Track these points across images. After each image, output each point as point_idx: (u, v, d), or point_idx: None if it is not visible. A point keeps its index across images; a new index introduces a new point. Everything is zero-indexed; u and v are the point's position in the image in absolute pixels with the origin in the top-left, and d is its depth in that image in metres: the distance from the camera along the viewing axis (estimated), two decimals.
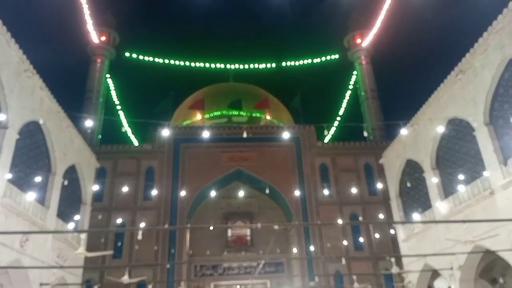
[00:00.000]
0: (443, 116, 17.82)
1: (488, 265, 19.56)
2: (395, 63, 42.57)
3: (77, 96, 33.39)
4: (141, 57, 39.81)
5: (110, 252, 21.31)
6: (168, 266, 25.03)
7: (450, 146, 18.22)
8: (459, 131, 17.36)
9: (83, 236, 10.72)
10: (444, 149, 18.70)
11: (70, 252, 17.76)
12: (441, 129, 17.14)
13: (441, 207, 18.19)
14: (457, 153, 17.71)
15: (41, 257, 16.00)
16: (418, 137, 20.32)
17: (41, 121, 15.41)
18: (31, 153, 16.52)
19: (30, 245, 15.17)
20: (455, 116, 17.26)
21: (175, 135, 29.03)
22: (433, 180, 18.84)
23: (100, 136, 31.68)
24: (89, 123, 16.55)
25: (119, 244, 25.26)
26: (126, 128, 34.48)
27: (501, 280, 21.50)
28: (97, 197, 24.78)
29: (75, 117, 20.21)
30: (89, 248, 14.09)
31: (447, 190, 18.41)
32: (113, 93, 36.06)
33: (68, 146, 19.33)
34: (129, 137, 35.24)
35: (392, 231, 24.75)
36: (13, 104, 14.22)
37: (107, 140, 30.39)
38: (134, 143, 33.29)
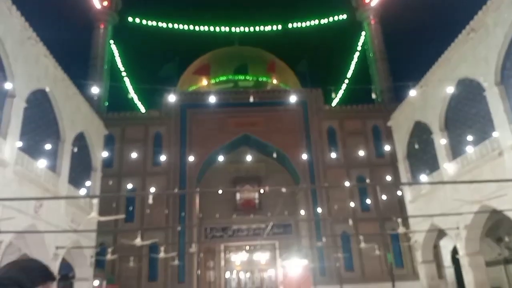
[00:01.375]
0: (453, 77, 17.48)
1: (494, 224, 19.80)
2: (405, 23, 41.24)
3: (82, 64, 33.13)
4: (144, 22, 39.06)
5: (122, 216, 21.91)
6: (179, 228, 25.74)
7: (460, 107, 17.97)
8: (469, 92, 17.06)
9: (95, 201, 10.97)
10: (453, 110, 18.46)
11: (83, 217, 18.28)
12: (450, 89, 16.85)
13: (449, 168, 18.20)
14: (467, 114, 17.49)
15: (56, 222, 16.50)
16: (427, 99, 20.04)
17: (47, 89, 15.42)
18: (40, 121, 16.66)
19: (44, 211, 15.61)
20: (465, 76, 16.91)
21: (181, 101, 29.02)
22: (441, 142, 18.75)
23: (107, 103, 31.72)
24: (95, 90, 16.50)
25: (130, 208, 25.90)
26: (133, 94, 34.43)
27: (506, 239, 21.86)
28: (107, 163, 25.19)
29: (81, 84, 20.19)
30: (101, 213, 14.47)
31: (455, 151, 18.34)
32: (118, 60, 35.72)
33: (76, 113, 19.43)
34: (136, 104, 35.28)
35: (399, 193, 24.97)
36: (19, 72, 14.19)
37: (114, 107, 30.47)
38: (141, 110, 33.35)
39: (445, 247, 26.76)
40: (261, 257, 31.33)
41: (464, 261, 17.81)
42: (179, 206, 26.78)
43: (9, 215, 12.13)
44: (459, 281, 24.74)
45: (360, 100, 30.24)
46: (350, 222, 22.27)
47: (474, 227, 17.27)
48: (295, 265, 24.23)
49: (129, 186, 25.89)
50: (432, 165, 20.22)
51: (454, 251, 22.15)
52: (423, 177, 20.72)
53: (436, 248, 24.35)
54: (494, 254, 23.41)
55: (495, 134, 15.08)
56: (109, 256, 19.40)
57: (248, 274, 31.36)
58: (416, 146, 20.97)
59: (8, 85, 13.28)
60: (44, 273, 1.57)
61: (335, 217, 21.75)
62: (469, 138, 16.91)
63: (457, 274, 24.97)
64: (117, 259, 22.93)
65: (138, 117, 29.29)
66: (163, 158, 26.02)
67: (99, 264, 22.54)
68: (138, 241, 16.25)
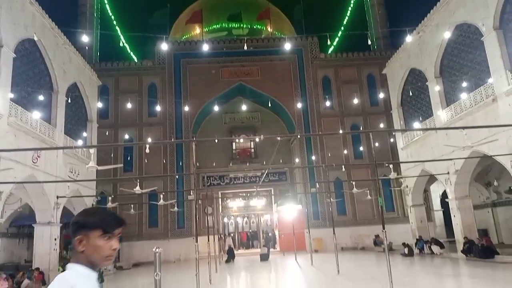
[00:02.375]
0: (450, 21, 17.14)
1: (484, 169, 20.40)
2: None
3: (70, 13, 31.99)
4: None
5: (120, 166, 22.28)
6: (177, 177, 26.31)
7: (456, 53, 17.80)
8: (466, 37, 16.82)
9: (92, 151, 11.12)
10: (449, 56, 18.30)
11: (81, 167, 18.59)
12: (447, 35, 16.61)
13: (442, 115, 18.37)
14: (462, 61, 17.36)
15: (54, 172, 16.78)
16: (423, 45, 19.79)
17: (35, 38, 15.00)
18: (31, 72, 16.40)
19: (42, 162, 15.82)
20: (463, 20, 16.58)
21: (174, 50, 28.48)
22: (436, 89, 18.76)
23: (98, 54, 31.06)
24: (85, 38, 16.06)
25: (128, 158, 26.25)
26: (125, 44, 33.58)
27: (495, 183, 22.59)
28: (102, 114, 25.18)
29: (71, 33, 19.62)
30: (99, 163, 14.70)
31: (449, 98, 18.42)
32: (107, 7, 34.44)
33: (67, 64, 19.08)
34: (129, 53, 34.56)
35: (392, 140, 25.38)
36: (3, 21, 13.75)
37: (106, 57, 29.85)
38: (134, 60, 32.70)
39: (435, 191, 27.72)
40: (257, 203, 32.33)
41: (453, 204, 18.50)
42: (176, 156, 27.19)
43: (8, 166, 12.30)
44: (447, 224, 25.90)
45: (355, 48, 29.77)
46: (343, 168, 22.79)
47: (464, 172, 17.77)
48: (290, 210, 25.10)
49: (126, 136, 26.07)
50: (426, 112, 20.38)
51: (444, 196, 22.96)
52: (416, 125, 20.97)
53: (426, 193, 25.21)
54: (482, 198, 24.30)
55: (490, 80, 15.08)
56: (109, 205, 19.94)
57: (245, 219, 32.57)
58: (410, 94, 21.00)
59: None
60: (117, 218, 1.72)
61: (328, 164, 22.21)
62: (464, 85, 16.92)
63: (446, 217, 26.09)
64: (118, 207, 23.61)
65: (131, 67, 28.81)
66: (158, 108, 26.01)
67: None
68: (137, 189, 16.65)
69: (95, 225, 1.61)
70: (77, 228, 1.62)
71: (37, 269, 15.08)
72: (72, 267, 1.60)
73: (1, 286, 12.66)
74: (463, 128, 11.65)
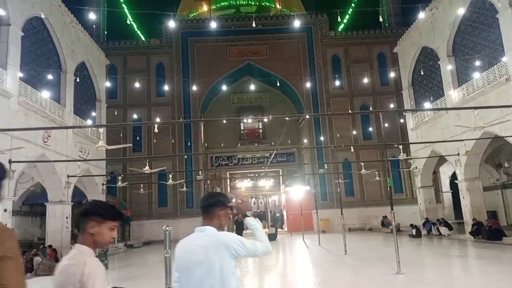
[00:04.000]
0: None
1: (495, 151, 20.13)
2: None
3: None
4: None
5: (129, 145, 22.41)
6: (185, 157, 26.48)
7: (469, 31, 17.32)
8: (481, 14, 16.33)
9: (102, 130, 11.17)
10: (462, 34, 17.83)
11: (91, 147, 18.74)
12: (461, 11, 16.15)
13: (453, 95, 18.05)
14: (476, 39, 16.90)
15: (65, 152, 16.95)
16: (436, 23, 19.28)
17: (42, 16, 14.91)
18: (39, 51, 16.37)
19: (53, 141, 15.96)
20: None
21: (182, 28, 28.22)
22: (448, 68, 18.38)
23: (106, 32, 30.87)
24: (92, 16, 15.94)
25: (137, 138, 26.40)
26: (132, 22, 33.29)
27: (506, 165, 22.34)
28: (111, 94, 25.23)
29: (78, 11, 19.41)
30: (108, 143, 14.80)
31: (462, 78, 18.05)
32: None
33: (75, 43, 19.00)
34: (136, 32, 34.28)
35: (401, 121, 25.12)
36: None
37: (113, 36, 29.66)
38: (141, 39, 32.48)
39: (444, 173, 27.53)
40: (265, 183, 32.52)
41: (462, 186, 18.36)
42: (184, 136, 27.29)
43: (19, 145, 12.43)
44: (455, 205, 25.80)
45: (366, 26, 29.14)
46: (352, 149, 22.67)
47: (475, 153, 17.56)
48: (298, 190, 25.19)
49: (134, 116, 26.16)
50: (437, 92, 20.04)
51: (453, 177, 22.79)
52: (427, 105, 20.67)
53: (435, 174, 25.04)
54: (492, 180, 24.10)
55: (504, 59, 14.70)
56: (119, 184, 20.19)
57: (253, 199, 32.82)
58: (422, 73, 20.60)
59: (0, 12, 12.85)
60: (122, 214, 2.16)
61: (337, 145, 22.10)
62: (477, 64, 16.53)
63: (454, 199, 25.97)
64: (128, 186, 23.91)
65: (139, 46, 28.66)
66: (166, 88, 25.95)
67: (111, 192, 23.56)
68: (146, 169, 16.79)
69: (110, 218, 2.03)
70: (94, 214, 2.01)
71: (50, 246, 15.42)
72: (78, 247, 2.01)
73: None
74: (475, 108, 11.44)
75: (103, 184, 20.96)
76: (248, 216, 2.61)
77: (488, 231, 15.92)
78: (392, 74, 23.62)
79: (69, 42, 18.30)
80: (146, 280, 11.12)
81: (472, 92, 16.61)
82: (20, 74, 14.12)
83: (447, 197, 28.18)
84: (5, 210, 12.66)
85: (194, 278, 2.25)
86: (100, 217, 1.99)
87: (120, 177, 20.50)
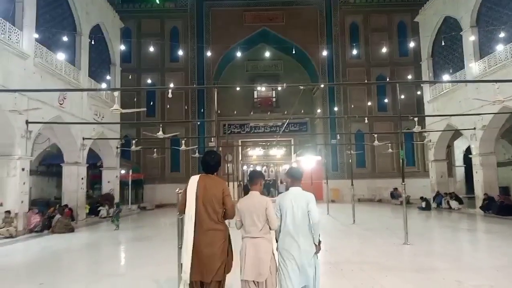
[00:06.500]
0: None
1: None
2: None
3: None
4: None
5: (143, 109, 22.56)
6: (198, 123, 26.60)
7: (496, 1, 16.59)
8: None
9: (117, 94, 11.21)
10: (488, 4, 17.09)
11: (106, 110, 18.91)
12: None
13: (474, 67, 17.53)
14: (502, 9, 16.19)
15: (80, 115, 17.16)
16: None
17: None
18: (54, 12, 16.27)
19: (68, 103, 16.14)
20: None
21: None
22: (470, 39, 17.75)
23: None
24: None
25: (151, 103, 26.52)
26: None
27: None
28: (125, 58, 25.12)
29: None
30: (123, 107, 14.87)
31: (484, 50, 17.46)
32: None
33: (90, 5, 18.81)
34: None
35: (418, 93, 24.63)
36: None
37: None
38: (156, 1, 31.91)
39: (459, 147, 27.20)
40: (277, 152, 32.62)
41: (476, 160, 18.16)
42: (197, 102, 27.30)
43: (35, 106, 12.62)
44: (468, 180, 25.63)
45: None
46: (366, 120, 22.44)
47: (492, 128, 17.25)
48: (309, 160, 25.24)
49: (148, 81, 26.17)
50: (457, 64, 19.48)
51: (467, 151, 22.51)
52: (446, 77, 20.16)
53: (449, 148, 24.74)
54: (508, 155, 23.75)
55: None
56: (133, 148, 20.49)
57: (264, 168, 33.09)
58: (443, 44, 19.96)
59: None
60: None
61: (351, 115, 21.88)
62: (501, 35, 15.92)
63: (467, 173, 25.76)
64: (141, 151, 24.25)
65: (153, 9, 28.26)
66: (180, 53, 25.74)
67: (125, 155, 23.97)
68: (160, 134, 16.97)
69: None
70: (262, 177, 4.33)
71: (66, 205, 15.94)
72: (256, 194, 4.06)
73: (33, 219, 13.52)
74: (496, 82, 11.10)
75: (117, 148, 21.31)
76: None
77: (499, 206, 15.87)
78: (411, 44, 22.91)
79: (84, 4, 18.13)
80: (158, 240, 11.49)
81: (494, 65, 16.12)
82: (36, 36, 14.11)
83: (460, 171, 27.97)
84: (23, 169, 13.02)
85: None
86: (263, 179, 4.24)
87: (134, 141, 20.78)
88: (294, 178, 4.14)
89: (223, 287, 3.81)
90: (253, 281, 3.78)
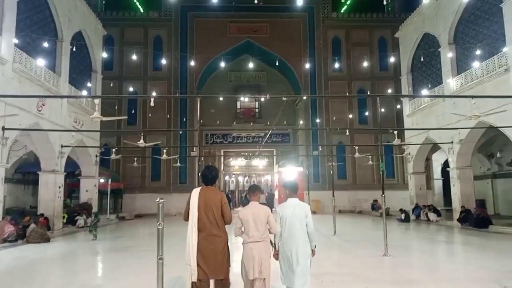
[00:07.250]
0: None
1: (488, 140, 20.28)
2: None
3: None
4: None
5: (124, 117, 22.29)
6: (180, 132, 26.42)
7: (472, 19, 17.20)
8: (485, 2, 16.19)
9: (97, 101, 11.05)
10: (465, 22, 17.70)
11: (86, 118, 18.61)
12: None
13: (452, 83, 18.04)
14: (478, 28, 16.79)
15: (59, 122, 16.80)
16: (440, 9, 19.11)
17: None
18: (35, 17, 15.99)
19: (47, 110, 15.81)
20: None
21: (181, 2, 27.67)
22: (448, 55, 18.30)
23: (103, 2, 30.20)
24: None
25: (132, 112, 26.23)
26: None
27: (498, 155, 22.57)
28: (107, 66, 24.81)
29: None
30: (103, 115, 14.65)
31: (461, 66, 18.02)
32: None
33: (72, 11, 18.60)
34: (135, 2, 33.50)
35: (398, 106, 25.14)
36: None
37: (111, 6, 28.98)
38: (140, 10, 31.85)
39: (437, 160, 27.80)
40: (259, 163, 32.66)
41: (453, 173, 18.57)
42: (180, 111, 27.17)
43: (12, 113, 12.31)
44: (445, 193, 26.16)
45: (369, 8, 28.79)
46: (347, 132, 22.73)
47: (468, 142, 17.70)
48: (291, 171, 25.33)
49: (130, 89, 25.91)
50: (435, 79, 20.02)
51: (445, 165, 23.01)
52: (425, 92, 20.67)
53: (428, 161, 25.27)
54: (483, 169, 24.38)
55: (504, 49, 14.65)
56: (113, 156, 20.15)
57: (246, 178, 33.04)
58: (422, 59, 20.52)
59: None
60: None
61: (332, 127, 22.15)
62: (477, 53, 16.46)
63: (445, 186, 26.30)
64: (121, 159, 23.87)
65: (137, 18, 28.17)
66: (163, 62, 25.63)
67: (104, 164, 23.54)
68: (141, 142, 16.74)
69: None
70: (260, 190, 4.88)
71: (42, 214, 15.49)
72: (256, 204, 4.58)
73: (7, 228, 13.07)
74: (472, 97, 11.44)
75: (96, 156, 20.92)
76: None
77: (476, 219, 16.22)
78: (392, 59, 23.52)
79: (66, 10, 17.91)
80: (137, 251, 11.26)
81: (471, 81, 16.62)
82: (16, 41, 13.83)
83: (438, 184, 28.53)
84: None
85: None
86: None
87: (114, 150, 20.45)
88: (291, 190, 4.81)
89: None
90: (255, 279, 4.30)
